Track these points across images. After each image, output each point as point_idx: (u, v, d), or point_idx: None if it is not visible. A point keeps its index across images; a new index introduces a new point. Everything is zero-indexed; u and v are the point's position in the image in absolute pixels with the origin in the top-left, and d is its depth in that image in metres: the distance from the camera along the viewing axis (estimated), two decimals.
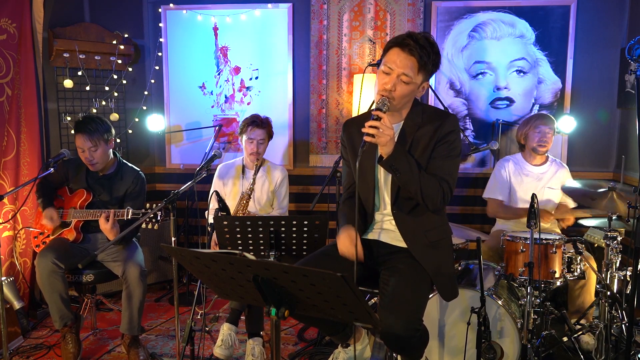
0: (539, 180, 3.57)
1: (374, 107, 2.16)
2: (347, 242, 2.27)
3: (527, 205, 3.45)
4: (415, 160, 2.19)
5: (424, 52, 2.12)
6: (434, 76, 4.25)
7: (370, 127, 2.05)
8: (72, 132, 4.08)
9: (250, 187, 3.46)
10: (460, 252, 3.18)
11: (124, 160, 3.48)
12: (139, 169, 3.45)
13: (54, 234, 3.31)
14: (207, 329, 3.09)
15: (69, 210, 3.30)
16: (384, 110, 2.11)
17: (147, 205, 3.08)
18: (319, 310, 1.69)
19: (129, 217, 3.11)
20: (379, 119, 2.06)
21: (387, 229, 2.39)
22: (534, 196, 2.67)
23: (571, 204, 3.65)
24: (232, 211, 3.53)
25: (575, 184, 3.27)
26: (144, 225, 2.96)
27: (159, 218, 2.94)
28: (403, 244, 2.36)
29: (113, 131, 3.34)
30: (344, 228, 2.32)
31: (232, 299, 2.98)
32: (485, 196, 3.70)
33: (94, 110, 4.26)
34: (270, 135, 3.63)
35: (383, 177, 2.33)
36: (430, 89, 4.10)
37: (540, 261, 2.88)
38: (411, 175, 2.14)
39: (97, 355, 3.27)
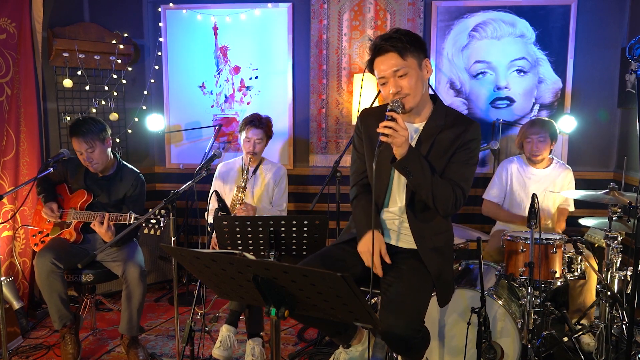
0: (541, 183, 3.56)
1: (388, 107, 2.15)
2: (368, 253, 2.26)
3: (523, 211, 3.51)
4: (430, 165, 2.18)
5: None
6: (434, 76, 4.26)
7: (385, 127, 2.05)
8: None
9: (245, 177, 3.45)
10: (461, 252, 3.17)
11: (124, 162, 3.46)
12: (138, 171, 3.44)
13: (53, 234, 3.31)
14: (206, 329, 3.08)
15: (68, 211, 3.29)
16: (399, 112, 2.12)
17: (150, 210, 3.07)
18: (319, 310, 1.69)
19: (132, 221, 3.10)
20: (393, 119, 2.06)
21: (390, 228, 2.39)
22: (534, 196, 2.66)
23: (571, 207, 3.65)
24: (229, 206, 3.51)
25: (574, 195, 3.28)
26: (146, 231, 2.96)
27: (161, 224, 2.93)
28: (405, 245, 2.36)
29: (109, 130, 3.31)
30: (364, 238, 2.30)
31: (232, 299, 2.97)
32: (483, 196, 3.71)
33: (94, 110, 4.25)
34: (268, 135, 3.62)
35: (397, 177, 2.32)
36: (430, 89, 4.08)
37: (540, 261, 2.87)
38: (423, 179, 2.14)
39: (97, 356, 3.26)
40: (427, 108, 2.31)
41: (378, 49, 2.18)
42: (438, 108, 2.31)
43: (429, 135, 2.25)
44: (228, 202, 3.46)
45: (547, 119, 3.59)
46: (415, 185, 2.18)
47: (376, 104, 3.61)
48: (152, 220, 2.95)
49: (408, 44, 2.15)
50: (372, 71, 2.26)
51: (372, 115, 2.37)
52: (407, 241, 2.36)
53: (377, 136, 2.09)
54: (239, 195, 3.44)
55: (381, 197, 2.34)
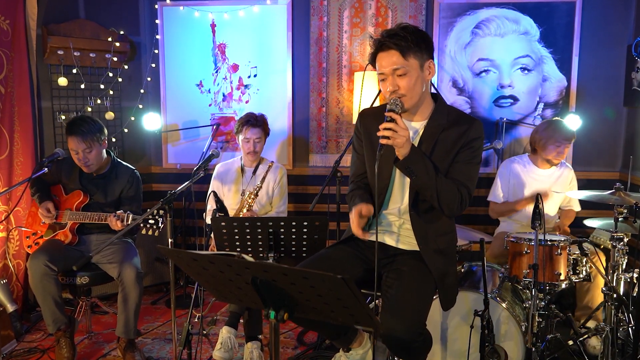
0: (543, 183, 3.51)
1: (387, 107, 2.11)
2: (357, 219, 2.18)
3: (526, 212, 3.45)
4: (434, 164, 2.14)
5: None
6: (436, 74, 4.19)
7: (385, 129, 2.01)
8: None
9: (258, 185, 3.42)
10: (464, 253, 3.13)
11: (119, 160, 3.42)
12: (134, 168, 3.41)
13: (48, 235, 3.25)
14: (204, 332, 3.05)
15: (64, 212, 3.24)
16: (397, 111, 2.07)
17: (148, 210, 3.02)
18: (319, 313, 1.66)
19: (129, 222, 3.05)
20: (392, 120, 2.02)
21: (391, 230, 2.35)
22: (538, 196, 2.62)
23: (576, 207, 3.59)
24: (234, 209, 3.47)
25: (578, 195, 3.21)
26: (144, 232, 2.91)
27: (160, 225, 2.89)
28: (406, 246, 2.32)
29: (106, 131, 3.29)
30: (356, 206, 2.21)
31: (230, 302, 2.93)
32: (488, 198, 3.67)
33: (89, 109, 4.19)
34: (266, 133, 3.61)
35: (398, 178, 2.28)
36: (432, 87, 4.02)
37: (545, 263, 2.82)
38: (427, 179, 2.10)
39: (92, 359, 3.21)
40: (427, 107, 2.27)
41: (381, 44, 2.14)
42: (439, 107, 2.28)
43: (431, 135, 2.22)
44: (227, 203, 3.43)
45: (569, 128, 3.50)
46: (419, 185, 2.15)
47: (377, 103, 3.57)
48: (150, 221, 2.90)
49: (412, 43, 2.11)
50: (374, 64, 2.22)
51: (371, 116, 2.34)
52: (407, 242, 2.32)
53: (377, 137, 2.05)
54: (249, 200, 3.40)
55: (380, 198, 2.30)
